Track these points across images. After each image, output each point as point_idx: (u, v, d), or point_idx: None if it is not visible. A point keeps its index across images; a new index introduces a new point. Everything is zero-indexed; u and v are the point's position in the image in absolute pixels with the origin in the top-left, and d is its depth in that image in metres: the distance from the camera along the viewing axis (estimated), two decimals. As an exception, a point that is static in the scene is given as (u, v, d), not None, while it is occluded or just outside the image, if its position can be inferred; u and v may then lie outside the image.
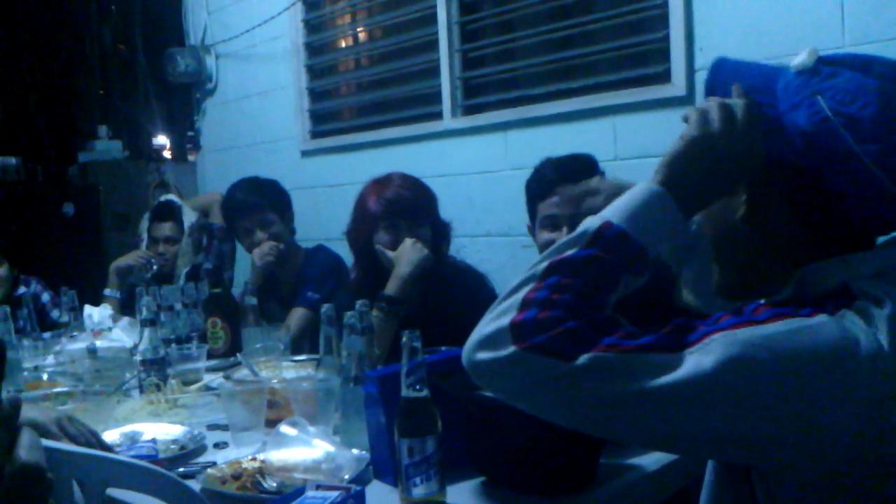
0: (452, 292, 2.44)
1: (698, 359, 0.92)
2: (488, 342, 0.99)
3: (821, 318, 0.95)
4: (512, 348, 0.96)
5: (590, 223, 1.05)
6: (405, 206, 2.44)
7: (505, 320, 0.98)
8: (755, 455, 0.98)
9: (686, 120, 1.08)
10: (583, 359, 0.94)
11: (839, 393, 0.92)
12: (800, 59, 1.04)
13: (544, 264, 1.03)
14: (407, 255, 2.38)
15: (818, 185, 1.02)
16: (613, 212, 1.05)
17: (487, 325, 1.00)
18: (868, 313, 0.95)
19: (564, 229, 2.21)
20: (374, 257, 2.47)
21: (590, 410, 0.97)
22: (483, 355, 0.99)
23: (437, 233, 2.52)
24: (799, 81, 1.03)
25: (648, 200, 1.05)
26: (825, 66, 1.03)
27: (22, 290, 3.76)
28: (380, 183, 2.50)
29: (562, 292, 0.99)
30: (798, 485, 0.97)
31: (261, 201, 3.11)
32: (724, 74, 1.13)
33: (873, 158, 0.97)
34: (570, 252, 1.03)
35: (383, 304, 2.35)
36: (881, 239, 1.09)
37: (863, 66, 1.01)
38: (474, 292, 2.47)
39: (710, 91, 1.13)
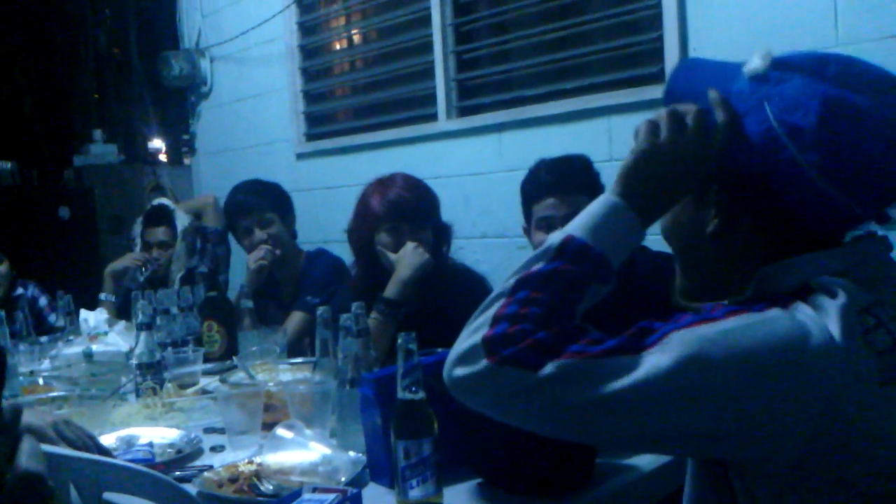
0: (452, 294, 2.43)
1: (657, 358, 0.94)
2: (464, 358, 1.02)
3: (774, 312, 0.97)
4: (484, 363, 0.99)
5: (553, 238, 1.09)
6: (408, 209, 2.42)
7: (478, 336, 1.02)
8: (721, 450, 0.99)
9: (636, 132, 1.11)
10: (549, 367, 0.96)
11: (794, 384, 0.93)
12: (753, 63, 1.05)
13: (513, 280, 1.07)
14: (408, 258, 2.37)
15: (771, 191, 1.03)
16: (575, 226, 1.09)
17: (462, 342, 1.04)
18: (820, 304, 0.97)
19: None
20: (374, 257, 2.47)
21: (560, 417, 0.99)
22: (460, 371, 1.02)
23: (438, 235, 2.51)
24: (750, 87, 1.04)
25: (607, 213, 1.09)
26: (776, 70, 1.03)
27: (19, 291, 3.76)
28: (383, 183, 2.48)
29: (530, 306, 1.02)
30: (769, 476, 0.98)
31: (261, 202, 3.12)
32: (683, 76, 1.16)
33: (816, 168, 0.98)
34: (536, 267, 1.06)
35: (382, 306, 2.35)
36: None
37: (816, 67, 1.02)
38: (473, 294, 2.46)
39: (668, 92, 1.15)
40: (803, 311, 0.96)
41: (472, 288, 2.49)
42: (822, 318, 0.95)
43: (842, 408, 0.93)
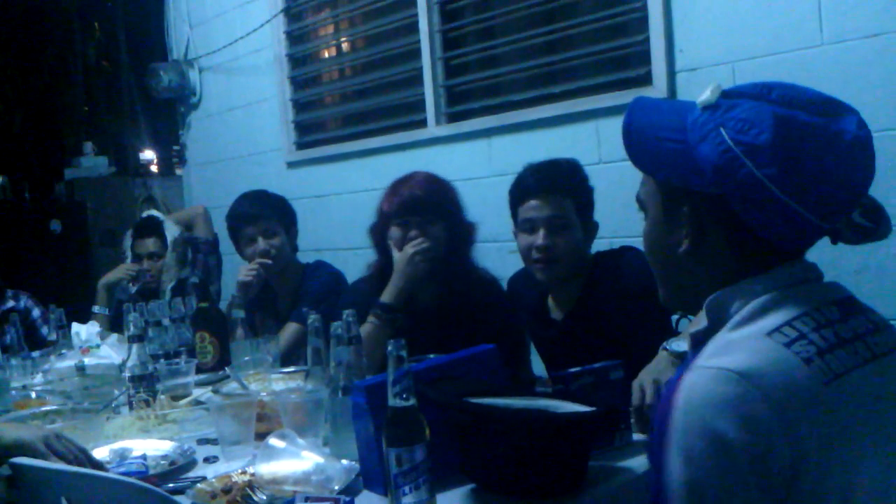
0: (467, 295, 2.45)
1: None
2: None
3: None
4: None
5: None
6: (414, 203, 2.44)
7: None
8: None
9: None
10: None
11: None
12: (704, 95, 1.11)
13: None
14: (402, 266, 2.38)
15: (733, 211, 1.08)
16: None
17: None
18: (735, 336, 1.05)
19: (541, 231, 2.22)
20: (389, 254, 2.49)
21: None
22: None
23: (457, 234, 2.51)
24: (704, 116, 1.10)
25: None
26: (726, 99, 1.10)
27: (11, 304, 3.75)
28: (399, 181, 2.53)
29: None
30: None
31: (268, 212, 3.12)
32: (639, 113, 1.20)
33: (773, 181, 1.04)
34: None
35: (378, 310, 2.35)
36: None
37: (761, 93, 1.08)
38: (487, 298, 2.46)
39: (627, 128, 1.19)
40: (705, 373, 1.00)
41: (486, 292, 2.49)
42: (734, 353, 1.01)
43: (793, 418, 0.96)
